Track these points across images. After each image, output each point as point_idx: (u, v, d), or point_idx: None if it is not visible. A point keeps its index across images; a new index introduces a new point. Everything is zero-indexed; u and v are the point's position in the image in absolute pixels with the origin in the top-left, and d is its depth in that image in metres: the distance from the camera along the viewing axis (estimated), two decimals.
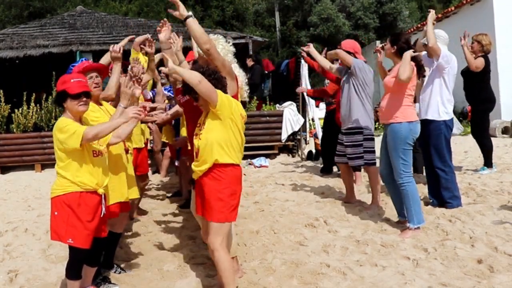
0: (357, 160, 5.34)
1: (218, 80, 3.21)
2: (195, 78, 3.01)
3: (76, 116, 3.14)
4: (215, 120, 3.14)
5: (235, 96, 3.71)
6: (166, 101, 6.27)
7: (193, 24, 3.44)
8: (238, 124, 3.19)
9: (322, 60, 5.88)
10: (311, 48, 5.78)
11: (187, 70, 3.13)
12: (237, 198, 3.23)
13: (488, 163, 6.64)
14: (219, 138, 3.12)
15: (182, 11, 3.45)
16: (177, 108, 4.84)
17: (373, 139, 5.40)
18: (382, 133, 5.00)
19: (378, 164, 5.02)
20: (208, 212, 3.18)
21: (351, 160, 5.38)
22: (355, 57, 5.49)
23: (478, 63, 6.33)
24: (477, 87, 6.53)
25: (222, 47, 3.78)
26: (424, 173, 6.35)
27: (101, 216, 3.20)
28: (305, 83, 9.65)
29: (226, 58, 3.77)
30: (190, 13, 3.47)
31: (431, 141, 4.99)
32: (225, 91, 3.24)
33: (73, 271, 3.13)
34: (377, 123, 8.86)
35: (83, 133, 2.97)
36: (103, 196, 3.19)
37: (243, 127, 3.28)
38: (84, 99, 3.11)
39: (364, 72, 5.34)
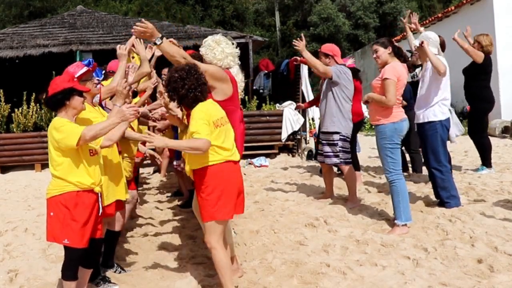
0: (334, 159, 5.44)
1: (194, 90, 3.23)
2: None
3: (74, 115, 3.15)
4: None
5: (230, 98, 3.71)
6: None
7: (163, 46, 3.50)
8: (212, 130, 3.19)
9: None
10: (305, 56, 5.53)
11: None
12: (218, 194, 3.19)
13: (486, 163, 6.63)
14: None
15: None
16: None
17: (348, 141, 5.47)
18: (373, 132, 5.05)
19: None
20: (200, 212, 3.34)
21: (327, 158, 5.47)
22: (334, 59, 5.52)
23: (480, 54, 6.34)
24: (477, 87, 6.52)
25: (221, 50, 3.74)
26: (425, 173, 6.37)
27: (98, 214, 3.20)
28: (305, 83, 9.63)
29: (225, 61, 3.74)
30: (158, 38, 3.47)
31: (427, 141, 5.00)
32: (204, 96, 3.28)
33: (69, 272, 3.11)
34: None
35: (81, 134, 2.97)
36: (99, 194, 3.20)
37: (221, 130, 3.25)
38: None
39: (343, 77, 5.39)
